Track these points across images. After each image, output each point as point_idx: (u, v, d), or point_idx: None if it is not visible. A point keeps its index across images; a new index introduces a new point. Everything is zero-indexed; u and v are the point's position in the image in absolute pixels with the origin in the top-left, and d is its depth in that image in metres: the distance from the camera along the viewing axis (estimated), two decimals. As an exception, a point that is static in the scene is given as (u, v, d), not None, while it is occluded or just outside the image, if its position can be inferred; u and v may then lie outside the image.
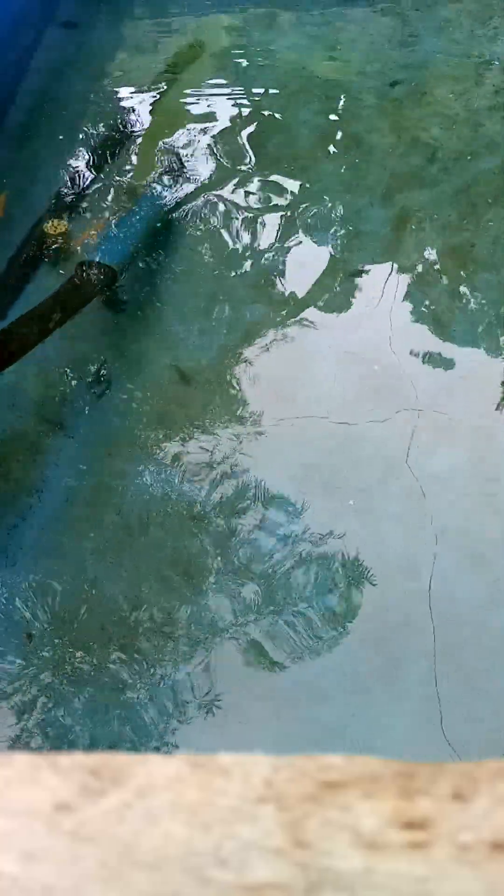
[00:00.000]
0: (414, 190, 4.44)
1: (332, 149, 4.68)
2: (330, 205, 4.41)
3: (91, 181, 4.52)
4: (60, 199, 4.43)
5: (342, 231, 4.29)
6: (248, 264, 4.18)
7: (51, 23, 5.42)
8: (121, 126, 4.84)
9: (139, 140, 4.77)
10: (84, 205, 4.41)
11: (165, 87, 5.09)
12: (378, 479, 3.43)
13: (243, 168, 4.59)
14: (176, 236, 4.29)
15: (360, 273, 4.12)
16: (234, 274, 4.14)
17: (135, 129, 4.83)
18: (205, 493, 3.43)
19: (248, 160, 4.64)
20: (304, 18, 5.45)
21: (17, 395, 3.76)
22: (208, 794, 0.56)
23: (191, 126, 4.84)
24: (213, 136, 4.76)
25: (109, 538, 3.34)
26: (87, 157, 4.66)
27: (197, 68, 5.21)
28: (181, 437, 3.60)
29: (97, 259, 3.93)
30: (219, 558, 3.27)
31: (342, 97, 4.94)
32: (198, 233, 4.30)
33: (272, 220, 4.35)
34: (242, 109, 4.92)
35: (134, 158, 4.67)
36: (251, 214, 4.38)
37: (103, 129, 4.82)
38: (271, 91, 5.01)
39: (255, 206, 4.41)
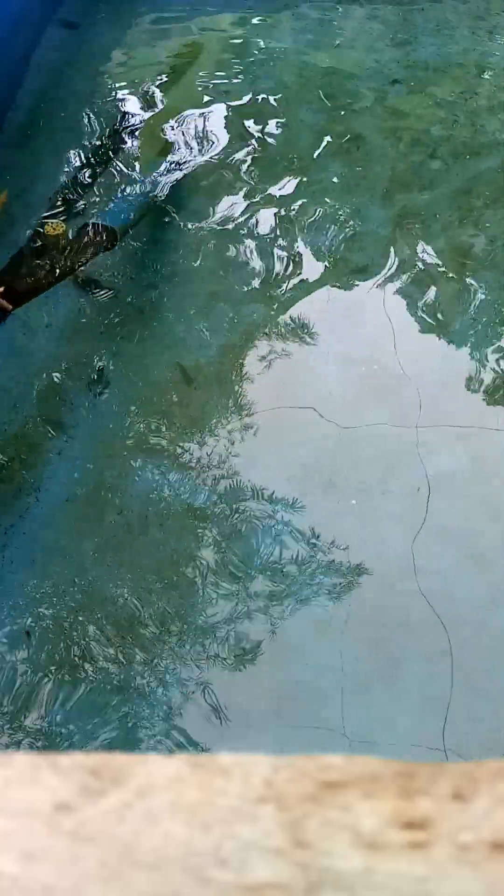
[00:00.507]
0: (414, 190, 4.44)
1: (332, 148, 4.68)
2: (330, 204, 4.41)
3: (91, 181, 4.52)
4: (60, 198, 4.43)
5: (342, 231, 4.29)
6: (248, 264, 4.18)
7: (51, 23, 5.42)
8: (121, 126, 4.84)
9: (139, 140, 4.77)
10: (84, 205, 4.40)
11: (165, 88, 5.09)
12: (378, 479, 3.43)
13: (243, 168, 4.59)
14: (175, 231, 4.29)
15: (360, 273, 4.12)
16: (233, 274, 4.14)
17: (135, 129, 4.83)
18: (205, 493, 3.43)
19: (247, 160, 4.64)
20: (304, 18, 5.45)
21: (18, 395, 3.75)
22: (208, 794, 0.56)
23: (191, 126, 4.83)
24: (213, 136, 4.76)
25: (109, 538, 3.34)
26: (87, 156, 4.66)
27: (197, 68, 5.21)
28: (181, 437, 3.60)
29: (101, 221, 4.16)
30: (219, 558, 3.27)
31: (342, 97, 4.94)
32: (197, 233, 4.30)
33: (272, 220, 4.35)
34: (242, 109, 4.92)
35: (134, 158, 4.67)
36: (251, 214, 4.38)
37: (103, 129, 4.82)
38: (271, 91, 5.01)
39: (255, 206, 4.41)
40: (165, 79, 5.15)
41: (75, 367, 3.83)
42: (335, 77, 5.06)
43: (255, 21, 5.50)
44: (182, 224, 4.34)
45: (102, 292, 4.04)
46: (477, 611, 3.12)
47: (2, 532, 3.37)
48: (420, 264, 4.15)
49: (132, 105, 4.98)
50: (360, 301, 4.03)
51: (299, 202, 4.42)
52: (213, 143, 4.73)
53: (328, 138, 4.73)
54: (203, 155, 4.66)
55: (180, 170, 4.57)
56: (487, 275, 4.08)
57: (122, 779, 0.57)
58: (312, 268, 4.15)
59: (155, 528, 3.36)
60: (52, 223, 4.21)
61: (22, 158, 4.65)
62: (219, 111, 4.92)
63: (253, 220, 4.35)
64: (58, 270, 3.93)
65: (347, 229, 4.29)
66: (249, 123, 4.84)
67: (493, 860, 0.51)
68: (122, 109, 4.94)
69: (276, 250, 4.23)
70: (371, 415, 3.61)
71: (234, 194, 4.47)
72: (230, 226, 4.33)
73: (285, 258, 4.20)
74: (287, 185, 4.50)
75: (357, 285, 4.08)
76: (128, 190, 4.46)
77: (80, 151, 4.69)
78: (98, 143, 4.74)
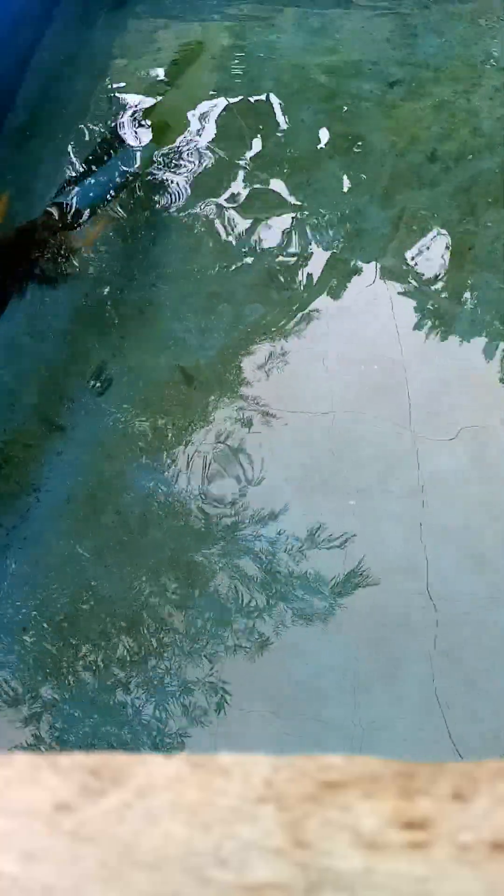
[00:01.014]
0: (414, 189, 4.44)
1: (332, 148, 4.68)
2: (330, 204, 4.41)
3: (91, 181, 4.52)
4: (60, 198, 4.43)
5: (342, 230, 4.29)
6: (247, 264, 4.18)
7: (51, 22, 5.42)
8: (121, 126, 4.84)
9: (139, 139, 4.77)
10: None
11: (166, 87, 5.09)
12: (378, 479, 3.43)
13: (243, 168, 4.59)
14: (175, 230, 4.29)
15: (360, 273, 4.12)
16: (233, 273, 4.14)
17: (135, 129, 4.83)
18: (204, 494, 3.43)
19: (247, 160, 4.64)
20: (304, 18, 5.45)
21: (17, 395, 3.76)
22: (208, 794, 0.56)
23: (191, 126, 4.84)
24: (213, 136, 4.76)
25: (109, 538, 3.34)
26: (87, 157, 4.66)
27: (197, 68, 5.21)
28: (181, 437, 3.60)
29: (66, 200, 4.26)
30: (218, 558, 3.27)
31: (342, 96, 4.94)
32: (197, 232, 4.30)
33: (272, 220, 4.35)
34: (242, 109, 4.92)
35: (134, 157, 4.67)
36: (251, 214, 4.38)
37: (104, 130, 4.82)
38: (271, 91, 5.01)
39: (255, 206, 4.41)
40: (165, 79, 5.15)
41: (75, 367, 3.83)
42: (335, 77, 5.06)
43: (254, 21, 5.50)
44: (182, 224, 4.34)
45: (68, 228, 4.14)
46: (477, 611, 3.12)
47: (2, 532, 3.37)
48: (420, 264, 4.15)
49: (132, 105, 4.98)
50: (361, 301, 4.03)
51: (299, 202, 4.42)
52: (213, 142, 4.73)
53: (328, 138, 4.73)
54: (203, 154, 4.66)
55: (180, 169, 4.57)
56: (487, 275, 4.08)
57: (122, 779, 0.57)
58: (312, 268, 4.15)
59: (154, 529, 3.36)
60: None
61: (22, 158, 4.65)
62: (218, 111, 4.92)
63: (253, 220, 4.36)
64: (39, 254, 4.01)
65: (347, 229, 4.29)
66: (249, 123, 4.83)
67: (493, 860, 0.51)
68: (122, 109, 4.94)
69: (276, 250, 4.23)
70: (371, 414, 3.61)
71: (234, 194, 4.47)
72: (230, 226, 4.33)
73: (285, 258, 4.20)
74: (287, 185, 4.50)
75: (357, 285, 4.08)
76: (102, 175, 4.51)
77: (80, 151, 4.69)
78: (98, 143, 4.74)
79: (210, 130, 4.81)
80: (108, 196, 4.38)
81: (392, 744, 2.82)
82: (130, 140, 4.76)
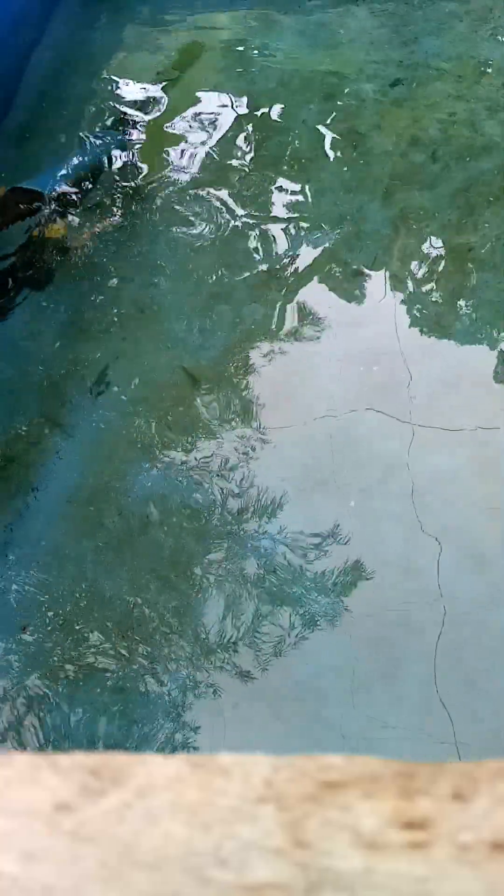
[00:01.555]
0: (414, 190, 4.44)
1: (332, 148, 4.68)
2: (330, 204, 4.41)
3: (91, 181, 4.52)
4: (59, 198, 4.43)
5: (342, 231, 4.29)
6: (247, 264, 4.18)
7: (51, 22, 5.42)
8: (121, 126, 4.84)
9: (139, 139, 4.77)
10: (83, 204, 4.40)
11: (166, 87, 5.09)
12: (378, 479, 3.43)
13: (243, 168, 4.59)
14: (175, 230, 4.29)
15: (360, 273, 4.12)
16: (233, 274, 4.14)
17: (135, 129, 4.83)
18: (205, 494, 3.43)
19: (248, 160, 4.64)
20: (304, 18, 5.45)
21: (18, 394, 3.76)
22: (208, 794, 0.56)
23: (191, 126, 4.84)
24: (214, 136, 4.76)
25: (110, 538, 3.34)
26: (87, 157, 4.66)
27: (197, 68, 5.22)
28: (181, 437, 3.60)
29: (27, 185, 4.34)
30: (218, 558, 3.27)
31: (343, 96, 4.94)
32: (197, 232, 4.30)
33: (272, 220, 4.35)
34: (243, 109, 4.92)
35: (134, 158, 4.67)
36: (251, 214, 4.38)
37: (103, 129, 4.82)
38: (271, 91, 5.01)
39: (255, 206, 4.41)
40: (165, 79, 5.15)
41: (75, 367, 3.84)
42: (335, 77, 5.06)
43: (255, 21, 5.50)
44: (182, 224, 4.34)
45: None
46: (477, 611, 3.12)
47: (3, 532, 3.37)
48: (420, 264, 4.15)
49: (132, 105, 4.98)
50: (360, 301, 4.03)
51: (299, 202, 4.42)
52: (213, 142, 4.73)
53: (328, 138, 4.73)
54: (202, 154, 4.66)
55: (180, 169, 4.57)
56: (488, 274, 4.08)
57: (122, 779, 0.57)
58: (313, 268, 4.15)
59: (155, 529, 3.36)
60: (50, 223, 4.21)
61: (22, 158, 4.65)
62: (218, 111, 4.92)
63: (253, 220, 4.36)
64: None
65: (348, 229, 4.29)
66: (249, 123, 4.84)
67: (493, 860, 0.51)
68: (122, 109, 4.94)
69: (276, 250, 4.23)
70: (371, 414, 3.61)
71: (235, 194, 4.47)
72: (230, 226, 4.33)
73: (285, 258, 4.20)
74: (287, 185, 4.50)
75: (357, 285, 4.08)
76: (73, 159, 4.57)
77: (80, 151, 4.69)
78: (98, 143, 4.74)
79: (210, 130, 4.81)
80: (74, 183, 4.40)
81: (392, 744, 2.82)
82: (130, 140, 4.76)
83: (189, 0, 5.64)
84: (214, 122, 4.85)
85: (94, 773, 0.58)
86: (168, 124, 4.85)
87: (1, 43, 4.90)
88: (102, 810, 0.55)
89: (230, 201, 4.43)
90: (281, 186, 4.49)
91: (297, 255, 4.21)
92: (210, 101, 4.98)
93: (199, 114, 4.91)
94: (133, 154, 4.69)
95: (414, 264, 4.15)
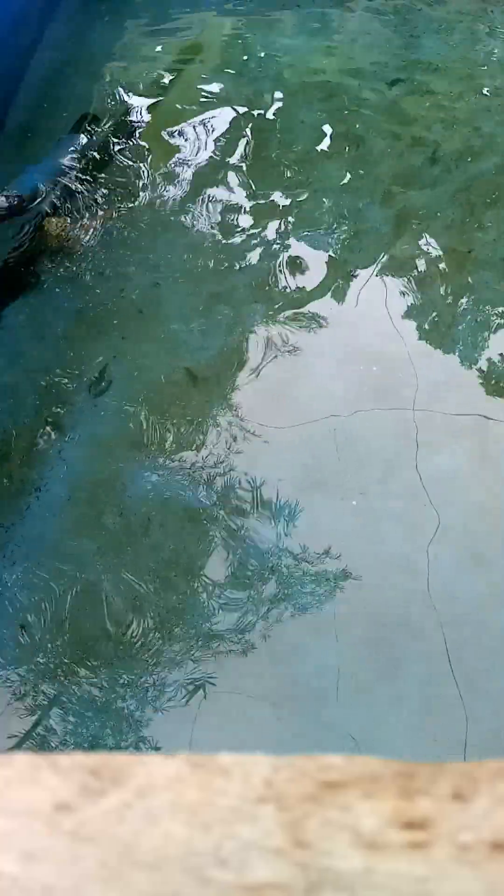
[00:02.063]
0: (414, 190, 4.44)
1: (331, 149, 4.68)
2: (330, 205, 4.41)
3: (91, 181, 4.52)
4: (61, 197, 4.43)
5: (342, 231, 4.29)
6: (248, 264, 4.18)
7: (51, 23, 5.42)
8: (121, 126, 4.84)
9: (139, 140, 4.77)
10: (84, 203, 4.40)
11: (165, 87, 5.09)
12: (378, 479, 3.43)
13: (243, 168, 4.59)
14: (175, 230, 4.29)
15: (360, 273, 4.12)
16: (234, 274, 4.14)
17: (135, 129, 4.83)
18: (205, 494, 3.43)
19: (248, 160, 4.64)
20: (304, 18, 5.45)
21: (18, 394, 3.76)
22: (208, 794, 0.56)
23: (191, 125, 4.84)
24: (213, 136, 4.76)
25: (110, 538, 3.34)
26: (87, 156, 4.66)
27: (197, 68, 5.22)
28: (181, 437, 3.60)
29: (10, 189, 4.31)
30: (219, 559, 3.27)
31: (342, 97, 4.94)
32: (197, 232, 4.30)
33: (272, 220, 4.35)
34: (242, 109, 4.92)
35: (134, 158, 4.67)
36: (251, 214, 4.38)
37: (103, 129, 4.82)
38: (271, 91, 5.01)
39: (255, 206, 4.41)
40: (165, 79, 5.15)
41: (76, 367, 3.83)
42: (335, 77, 5.06)
43: (254, 21, 5.50)
44: (182, 224, 4.34)
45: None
46: (477, 611, 3.12)
47: (3, 531, 3.37)
48: (420, 264, 4.15)
49: (132, 105, 4.98)
50: (361, 301, 4.03)
51: (299, 202, 4.43)
52: (213, 142, 4.73)
53: (328, 138, 4.73)
54: (202, 154, 4.66)
55: (180, 169, 4.57)
56: (488, 274, 4.08)
57: (122, 779, 0.57)
58: (313, 268, 4.15)
59: (155, 529, 3.36)
60: (53, 220, 4.21)
61: (22, 158, 4.65)
62: (218, 111, 4.92)
63: (253, 220, 4.36)
64: None
65: (348, 229, 4.29)
66: (249, 123, 4.84)
67: (493, 860, 0.51)
68: (122, 109, 4.94)
69: (276, 250, 4.23)
70: (371, 414, 3.61)
71: (235, 194, 4.47)
72: (230, 226, 4.33)
73: (285, 258, 4.20)
74: (287, 185, 4.50)
75: (357, 285, 4.08)
76: (45, 165, 4.53)
77: (80, 151, 4.69)
78: (98, 143, 4.74)
79: (210, 130, 4.81)
80: (55, 185, 4.38)
81: (392, 744, 2.82)
82: (130, 140, 4.76)
83: (189, 0, 5.65)
84: (214, 122, 4.85)
85: (94, 773, 0.58)
86: (168, 124, 4.85)
87: (1, 43, 4.90)
88: (102, 810, 0.55)
89: (230, 201, 4.43)
90: (280, 186, 4.49)
91: (297, 256, 4.21)
92: (210, 101, 4.98)
93: (199, 114, 4.91)
94: (133, 154, 4.69)
95: (414, 264, 4.15)
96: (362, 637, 3.07)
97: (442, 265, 4.13)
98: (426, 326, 3.92)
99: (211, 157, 4.66)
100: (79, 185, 4.50)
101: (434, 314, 3.95)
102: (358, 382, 3.72)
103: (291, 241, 4.27)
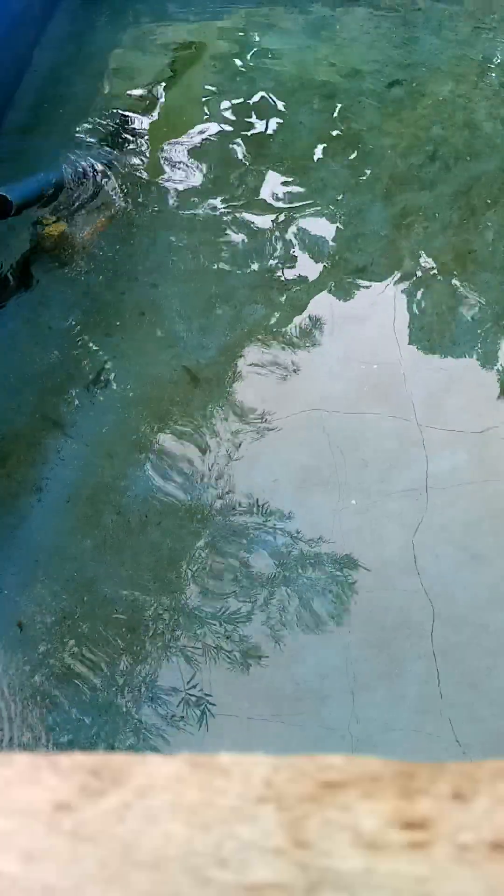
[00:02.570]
0: (414, 190, 4.44)
1: (331, 149, 4.68)
2: (329, 205, 4.41)
3: (91, 181, 4.52)
4: (59, 198, 4.42)
5: (342, 231, 4.29)
6: (248, 264, 4.18)
7: (51, 22, 5.42)
8: (121, 126, 4.84)
9: (139, 140, 4.77)
10: (83, 205, 4.40)
11: (165, 87, 5.09)
12: (378, 478, 3.43)
13: (243, 168, 4.59)
14: (175, 231, 4.29)
15: (360, 273, 4.12)
16: (233, 274, 4.14)
17: (135, 129, 4.83)
18: (204, 494, 3.43)
19: (248, 160, 4.64)
20: (304, 18, 5.45)
21: (19, 394, 3.75)
22: (208, 794, 0.56)
23: (190, 126, 4.84)
24: (213, 136, 4.76)
25: (109, 538, 3.34)
26: (86, 157, 4.66)
27: (197, 68, 5.21)
28: (181, 437, 3.60)
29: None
30: (218, 559, 3.27)
31: (342, 97, 4.94)
32: (197, 233, 4.30)
33: (272, 220, 4.35)
34: (242, 109, 4.92)
35: (134, 158, 4.67)
36: (251, 214, 4.38)
37: (103, 129, 4.82)
38: (271, 91, 5.01)
39: (255, 207, 4.41)
40: (165, 79, 5.15)
41: (76, 366, 3.83)
42: (335, 77, 5.06)
43: (254, 21, 5.50)
44: (182, 224, 4.34)
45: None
46: (477, 611, 3.12)
47: (2, 530, 3.37)
48: (420, 264, 4.15)
49: (132, 105, 4.97)
50: (361, 301, 4.03)
51: (299, 202, 4.42)
52: (212, 142, 4.73)
53: (328, 138, 4.73)
54: (201, 155, 4.66)
55: (180, 170, 4.57)
56: (487, 275, 4.08)
57: (122, 779, 0.57)
58: (312, 268, 4.15)
59: (154, 529, 3.36)
60: (50, 222, 4.21)
61: (22, 158, 4.65)
62: (218, 112, 4.92)
63: (253, 221, 4.35)
64: None
65: (347, 230, 4.29)
66: (249, 124, 4.83)
67: (493, 860, 0.51)
68: (122, 109, 4.94)
69: (276, 251, 4.23)
70: (371, 414, 3.61)
71: (234, 194, 4.47)
72: (230, 226, 4.33)
73: (285, 259, 4.20)
74: (287, 186, 4.50)
75: (357, 285, 4.08)
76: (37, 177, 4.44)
77: (80, 152, 4.69)
78: (98, 142, 4.74)
79: (210, 131, 4.81)
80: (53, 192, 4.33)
81: (392, 744, 2.82)
82: (130, 140, 4.76)
83: (189, 0, 5.65)
84: (213, 122, 4.85)
85: (94, 773, 0.58)
86: (167, 124, 4.85)
87: (1, 43, 4.90)
88: (102, 810, 0.55)
89: (230, 201, 4.43)
90: (280, 186, 4.49)
91: (297, 255, 4.21)
92: (209, 101, 4.98)
93: (198, 114, 4.91)
94: (132, 154, 4.69)
95: (414, 264, 4.15)
96: (362, 637, 3.07)
97: (442, 265, 4.13)
98: (427, 327, 3.92)
99: (210, 157, 4.66)
100: (79, 188, 4.50)
101: (435, 314, 3.95)
102: (358, 382, 3.72)
103: (291, 241, 4.27)
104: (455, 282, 4.07)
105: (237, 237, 4.29)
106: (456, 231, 4.25)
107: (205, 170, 4.58)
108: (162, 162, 4.62)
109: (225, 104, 4.96)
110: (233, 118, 4.87)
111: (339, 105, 4.90)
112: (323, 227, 4.31)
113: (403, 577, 3.19)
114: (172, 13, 5.60)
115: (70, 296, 4.07)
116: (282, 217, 4.36)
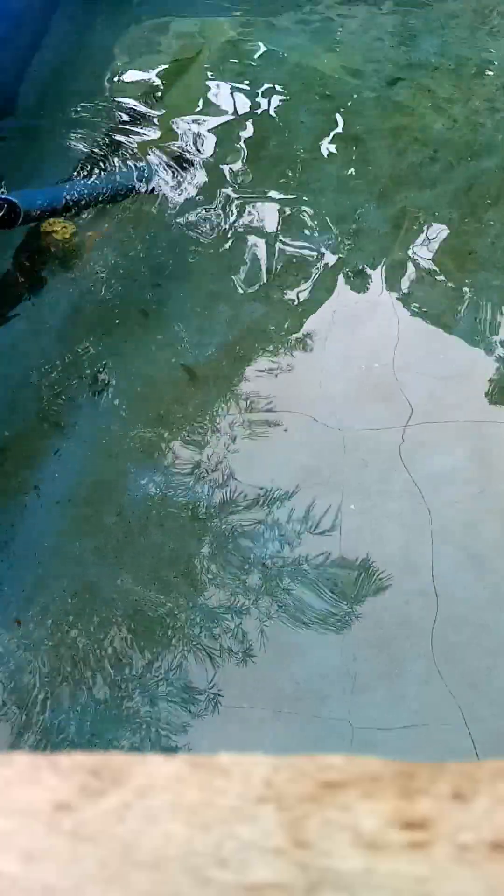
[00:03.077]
0: (414, 190, 4.44)
1: (331, 148, 4.68)
2: (330, 204, 4.40)
3: (93, 181, 4.52)
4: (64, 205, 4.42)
5: (342, 231, 4.28)
6: (247, 264, 4.18)
7: (51, 22, 5.42)
8: (121, 126, 4.84)
9: (139, 140, 4.77)
10: (86, 207, 4.40)
11: (165, 88, 5.09)
12: (378, 479, 3.43)
13: (243, 168, 4.59)
14: (175, 231, 4.29)
15: (360, 272, 4.12)
16: (233, 274, 4.14)
17: (135, 130, 4.82)
18: (204, 494, 3.43)
19: (248, 160, 4.64)
20: (304, 18, 5.45)
21: (17, 394, 3.76)
22: (208, 794, 0.56)
23: (191, 126, 4.83)
24: (213, 136, 4.76)
25: (109, 538, 3.34)
26: (88, 157, 4.66)
27: (197, 68, 5.21)
28: (181, 437, 3.60)
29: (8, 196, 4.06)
30: (218, 559, 3.27)
31: (342, 96, 4.94)
32: (198, 233, 4.30)
33: (272, 220, 4.35)
34: (242, 109, 4.92)
35: (134, 158, 4.67)
36: (251, 214, 4.38)
37: (104, 130, 4.82)
38: (271, 90, 5.01)
39: (255, 206, 4.41)
40: (165, 79, 5.15)
41: (75, 366, 3.84)
42: (335, 77, 5.06)
43: (254, 21, 5.50)
44: (182, 224, 4.34)
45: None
46: (477, 611, 3.12)
47: (3, 531, 3.37)
48: (420, 264, 4.15)
49: (132, 105, 4.97)
50: (360, 301, 4.03)
51: (299, 202, 4.42)
52: (213, 142, 4.73)
53: (328, 138, 4.73)
54: (202, 154, 4.66)
55: (180, 169, 4.57)
56: (487, 274, 4.08)
57: (122, 779, 0.57)
58: (312, 268, 4.15)
59: (154, 529, 3.36)
60: (56, 222, 4.20)
61: (22, 158, 4.65)
62: (218, 111, 4.92)
63: (253, 220, 4.35)
64: None
65: (348, 229, 4.29)
66: (249, 123, 4.84)
67: (493, 860, 0.51)
68: (123, 109, 4.94)
69: (275, 250, 4.23)
70: (371, 414, 3.61)
71: (234, 194, 4.47)
72: (230, 226, 4.33)
73: (285, 258, 4.20)
74: (287, 185, 4.50)
75: (357, 285, 4.08)
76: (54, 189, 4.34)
77: (82, 152, 4.69)
78: (99, 143, 4.74)
79: (210, 131, 4.80)
80: (60, 208, 4.21)
81: (392, 744, 2.82)
82: (130, 140, 4.76)
83: (189, 0, 5.64)
84: (213, 122, 4.85)
85: (94, 773, 0.58)
86: (167, 124, 4.85)
87: (1, 43, 4.90)
88: (102, 810, 0.55)
89: (229, 201, 4.43)
90: (281, 186, 4.49)
91: (297, 255, 4.21)
92: (209, 102, 4.98)
93: (199, 114, 4.91)
94: (132, 154, 4.69)
95: (414, 264, 4.15)
96: (362, 637, 3.07)
97: (442, 265, 4.13)
98: (427, 326, 3.92)
99: (211, 157, 4.66)
100: (81, 190, 4.49)
101: (435, 313, 3.95)
102: (357, 382, 3.72)
103: (291, 240, 4.27)
104: (455, 281, 4.06)
105: (237, 236, 4.29)
106: (456, 230, 4.25)
107: (205, 169, 4.58)
108: (162, 162, 4.62)
109: (225, 104, 4.96)
110: (233, 118, 4.87)
111: (340, 104, 4.90)
112: (322, 227, 4.31)
113: (403, 577, 3.19)
114: (173, 13, 5.60)
115: (71, 296, 4.07)
116: (282, 216, 4.36)
